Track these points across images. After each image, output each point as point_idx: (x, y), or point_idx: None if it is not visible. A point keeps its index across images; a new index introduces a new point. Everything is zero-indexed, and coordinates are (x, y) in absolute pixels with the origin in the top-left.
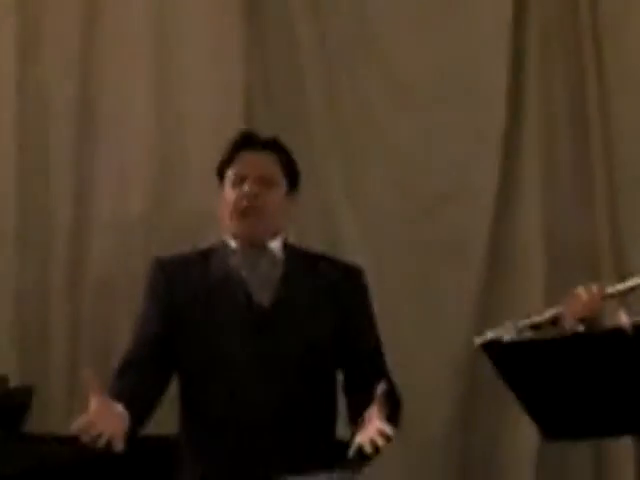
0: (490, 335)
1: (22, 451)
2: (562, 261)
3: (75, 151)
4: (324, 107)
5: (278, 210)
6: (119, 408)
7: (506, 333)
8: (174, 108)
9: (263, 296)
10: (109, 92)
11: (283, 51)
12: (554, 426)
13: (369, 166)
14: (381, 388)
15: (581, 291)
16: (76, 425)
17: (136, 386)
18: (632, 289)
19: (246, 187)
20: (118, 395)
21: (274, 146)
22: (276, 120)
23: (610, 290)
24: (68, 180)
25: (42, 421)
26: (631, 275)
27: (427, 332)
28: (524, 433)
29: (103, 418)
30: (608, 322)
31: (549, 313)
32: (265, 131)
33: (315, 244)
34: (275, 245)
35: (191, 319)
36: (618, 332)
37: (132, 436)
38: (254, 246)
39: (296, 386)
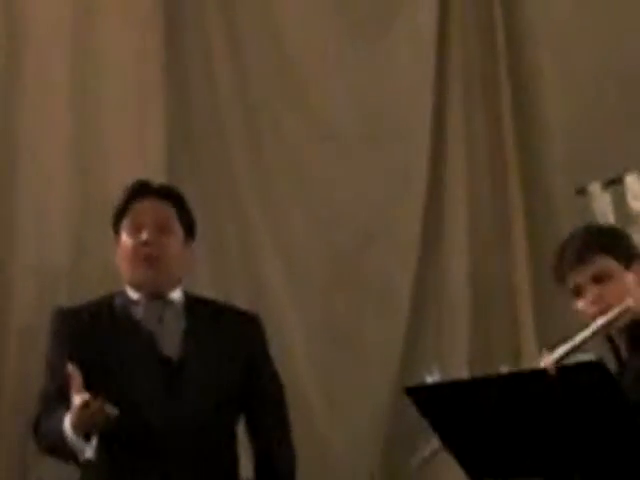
0: (433, 378)
1: None
2: (486, 302)
3: None
4: (246, 149)
5: (177, 258)
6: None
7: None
8: (96, 154)
9: (171, 350)
10: (30, 130)
11: (204, 95)
12: (479, 467)
13: (292, 208)
14: None
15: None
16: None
17: None
18: None
19: (144, 235)
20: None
21: (169, 194)
22: (198, 165)
23: None
24: None
25: None
26: None
27: (352, 375)
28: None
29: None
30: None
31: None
32: (187, 176)
33: (239, 289)
34: (176, 295)
35: (99, 372)
36: (540, 374)
37: None
38: (156, 297)
39: (206, 437)
